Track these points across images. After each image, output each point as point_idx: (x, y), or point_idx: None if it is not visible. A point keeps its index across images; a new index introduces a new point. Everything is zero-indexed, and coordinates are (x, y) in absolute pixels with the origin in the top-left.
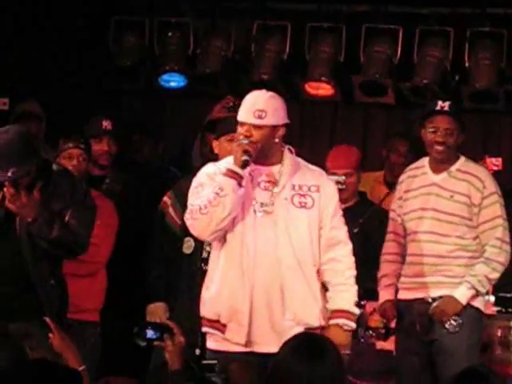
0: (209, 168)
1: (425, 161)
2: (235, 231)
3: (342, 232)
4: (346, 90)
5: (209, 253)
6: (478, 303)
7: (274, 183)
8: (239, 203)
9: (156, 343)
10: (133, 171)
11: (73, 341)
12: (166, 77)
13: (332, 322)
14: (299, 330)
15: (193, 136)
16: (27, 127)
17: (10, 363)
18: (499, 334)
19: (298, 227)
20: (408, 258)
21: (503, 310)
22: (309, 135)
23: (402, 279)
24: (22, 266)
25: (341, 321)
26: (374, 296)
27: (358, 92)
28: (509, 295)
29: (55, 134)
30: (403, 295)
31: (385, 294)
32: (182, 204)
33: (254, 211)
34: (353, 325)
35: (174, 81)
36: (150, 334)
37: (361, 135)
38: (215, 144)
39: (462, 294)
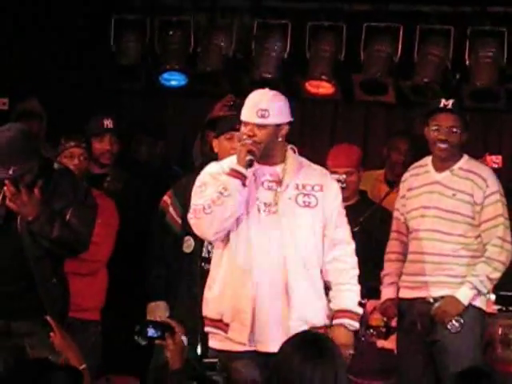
0: (212, 167)
1: (428, 159)
2: (239, 231)
3: (345, 231)
4: (346, 88)
5: (209, 252)
6: (479, 303)
7: (278, 183)
8: (243, 203)
9: (157, 342)
10: (134, 170)
11: (74, 339)
12: (166, 76)
13: (336, 321)
14: (304, 328)
15: (194, 135)
16: (28, 126)
17: (11, 363)
18: (500, 332)
19: (302, 226)
20: (409, 256)
21: (504, 309)
22: (309, 134)
23: (403, 277)
24: (23, 265)
25: (345, 321)
26: (374, 294)
27: (359, 91)
28: (510, 294)
29: (56, 133)
30: (404, 294)
31: (386, 293)
32: (182, 203)
33: (258, 211)
34: (356, 325)
35: (174, 80)
36: (151, 332)
37: (361, 134)
38: (215, 142)
39: (464, 295)
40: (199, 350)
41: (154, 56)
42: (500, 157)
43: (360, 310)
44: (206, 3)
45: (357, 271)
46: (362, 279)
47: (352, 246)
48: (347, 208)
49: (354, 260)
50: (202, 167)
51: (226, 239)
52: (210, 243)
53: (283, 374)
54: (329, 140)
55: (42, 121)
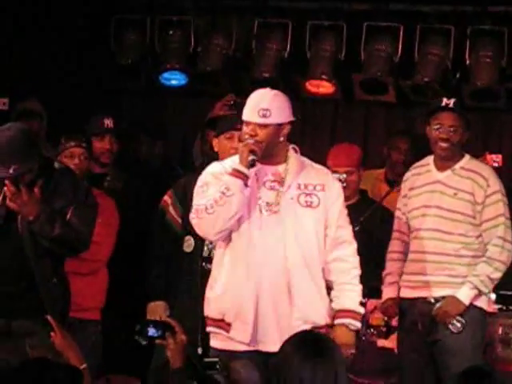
0: (214, 167)
1: (430, 159)
2: (241, 231)
3: (347, 231)
4: (346, 88)
5: (210, 251)
6: (480, 303)
7: (280, 182)
8: (245, 203)
9: (158, 341)
10: (134, 169)
11: (74, 339)
12: (166, 75)
13: (338, 321)
14: (306, 328)
15: (194, 134)
16: (28, 125)
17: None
18: (500, 331)
19: (304, 226)
20: (410, 255)
21: (504, 308)
22: (309, 133)
23: (404, 277)
24: (24, 265)
25: (347, 320)
26: (375, 294)
27: (359, 90)
28: (510, 293)
29: (56, 132)
30: (405, 293)
31: (387, 292)
32: (182, 203)
33: (260, 210)
34: (358, 324)
35: (174, 79)
36: (151, 331)
37: (361, 133)
38: (215, 142)
39: (465, 295)
40: (200, 350)
41: (154, 55)
42: (500, 156)
43: (362, 310)
44: (207, 3)
45: (359, 271)
46: (363, 279)
47: (354, 245)
48: (348, 207)
49: (356, 260)
50: (202, 167)
51: (228, 239)
52: (211, 243)
53: (283, 373)
54: (329, 139)
55: (42, 120)
